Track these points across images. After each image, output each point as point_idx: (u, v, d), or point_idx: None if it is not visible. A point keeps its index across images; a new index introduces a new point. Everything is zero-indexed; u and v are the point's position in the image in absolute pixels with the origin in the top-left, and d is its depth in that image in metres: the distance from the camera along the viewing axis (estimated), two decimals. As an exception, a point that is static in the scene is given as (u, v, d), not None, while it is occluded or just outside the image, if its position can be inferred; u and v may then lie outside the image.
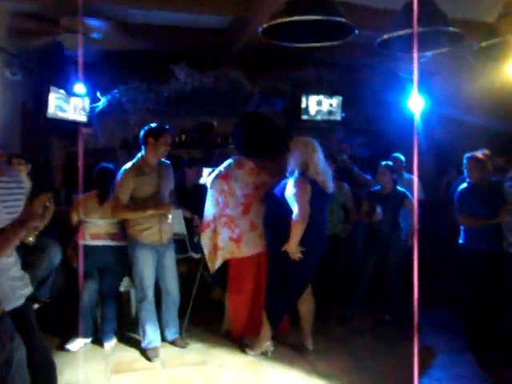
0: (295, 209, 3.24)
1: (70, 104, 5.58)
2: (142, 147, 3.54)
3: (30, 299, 2.29)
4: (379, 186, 4.32)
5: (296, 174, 3.39)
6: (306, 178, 3.34)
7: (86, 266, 3.62)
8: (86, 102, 5.75)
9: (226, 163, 3.84)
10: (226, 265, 3.86)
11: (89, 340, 3.79)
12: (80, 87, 5.28)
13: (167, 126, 3.59)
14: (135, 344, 3.77)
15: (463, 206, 3.80)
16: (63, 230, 3.85)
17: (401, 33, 2.80)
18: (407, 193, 4.21)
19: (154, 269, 3.58)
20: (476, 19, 4.24)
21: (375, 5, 4.29)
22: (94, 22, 4.79)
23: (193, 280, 4.09)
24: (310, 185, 3.32)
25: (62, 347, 3.65)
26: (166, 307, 3.72)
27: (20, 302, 2.11)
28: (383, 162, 4.31)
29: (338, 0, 2.73)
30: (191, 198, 4.39)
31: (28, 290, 2.20)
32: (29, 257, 2.72)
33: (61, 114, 5.51)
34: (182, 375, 3.39)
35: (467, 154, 3.82)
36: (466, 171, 3.82)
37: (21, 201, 2.16)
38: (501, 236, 3.70)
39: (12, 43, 4.72)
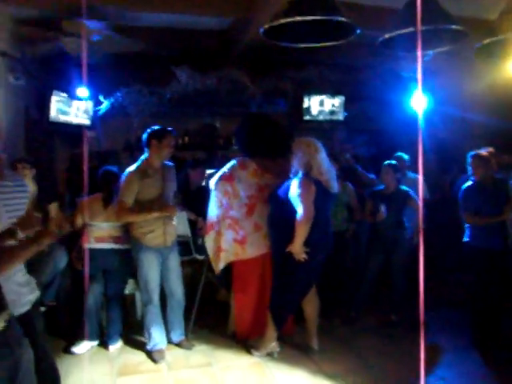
0: (300, 209, 3.24)
1: (73, 107, 5.60)
2: (146, 150, 3.55)
3: (37, 303, 2.28)
4: (383, 186, 4.31)
5: (300, 174, 3.39)
6: (310, 179, 3.34)
7: (90, 269, 3.62)
8: (89, 105, 5.77)
9: (229, 164, 3.84)
10: (231, 266, 3.86)
11: (95, 343, 3.80)
12: (83, 91, 5.29)
13: (170, 128, 3.59)
14: (141, 346, 3.77)
15: (468, 204, 3.79)
16: (68, 234, 3.85)
17: (403, 31, 2.79)
18: (411, 192, 4.20)
19: (159, 272, 3.59)
20: (478, 17, 4.23)
21: (379, 3, 4.28)
22: (95, 25, 4.81)
23: (197, 282, 4.09)
24: (315, 185, 3.32)
25: (67, 350, 3.67)
26: (171, 309, 3.72)
27: (26, 307, 2.10)
28: (386, 162, 4.30)
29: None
30: (195, 200, 4.40)
31: (34, 295, 2.19)
32: (34, 261, 2.72)
33: (63, 118, 5.52)
34: (188, 377, 3.39)
35: (471, 152, 3.81)
36: (470, 169, 3.82)
37: (24, 204, 2.16)
38: (506, 233, 3.69)
39: (15, 48, 4.74)
